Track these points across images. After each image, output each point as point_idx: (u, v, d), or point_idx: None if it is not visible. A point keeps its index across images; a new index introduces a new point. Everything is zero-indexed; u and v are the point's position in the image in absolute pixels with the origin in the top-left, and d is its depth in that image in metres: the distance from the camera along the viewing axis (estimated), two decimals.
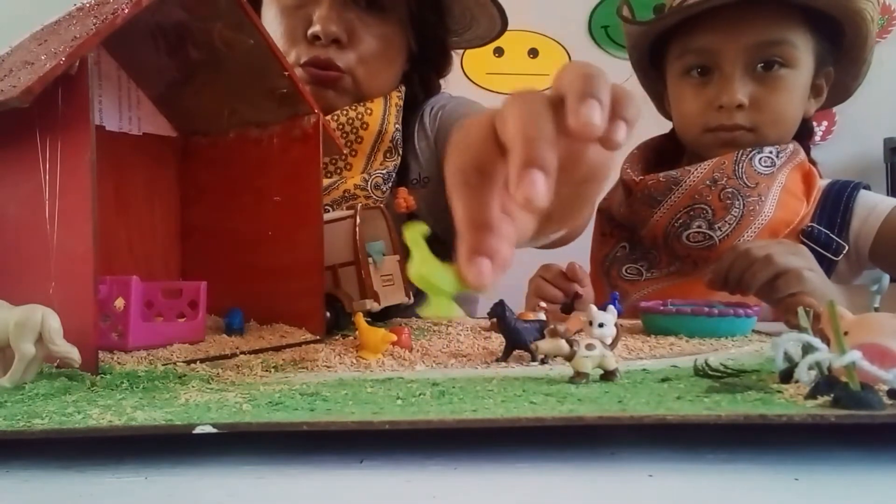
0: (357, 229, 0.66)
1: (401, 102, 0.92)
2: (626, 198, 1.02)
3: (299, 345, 0.59)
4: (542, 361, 0.50)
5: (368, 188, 0.86)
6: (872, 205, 0.96)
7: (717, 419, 0.32)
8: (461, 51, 1.10)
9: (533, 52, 2.22)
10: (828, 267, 0.91)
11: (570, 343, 0.43)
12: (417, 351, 0.55)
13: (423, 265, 0.33)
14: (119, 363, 0.48)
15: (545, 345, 0.44)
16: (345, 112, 0.88)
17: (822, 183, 1.00)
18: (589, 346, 0.42)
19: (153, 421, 0.33)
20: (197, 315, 0.57)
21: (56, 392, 0.40)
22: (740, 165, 0.94)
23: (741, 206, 0.93)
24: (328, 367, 0.50)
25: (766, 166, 0.95)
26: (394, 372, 0.48)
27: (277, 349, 0.57)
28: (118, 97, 0.66)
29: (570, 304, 0.91)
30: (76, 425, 0.33)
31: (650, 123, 1.09)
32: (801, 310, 0.41)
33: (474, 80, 2.15)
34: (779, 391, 0.37)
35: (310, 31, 0.85)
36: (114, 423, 0.33)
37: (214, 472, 0.31)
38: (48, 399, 0.39)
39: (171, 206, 0.71)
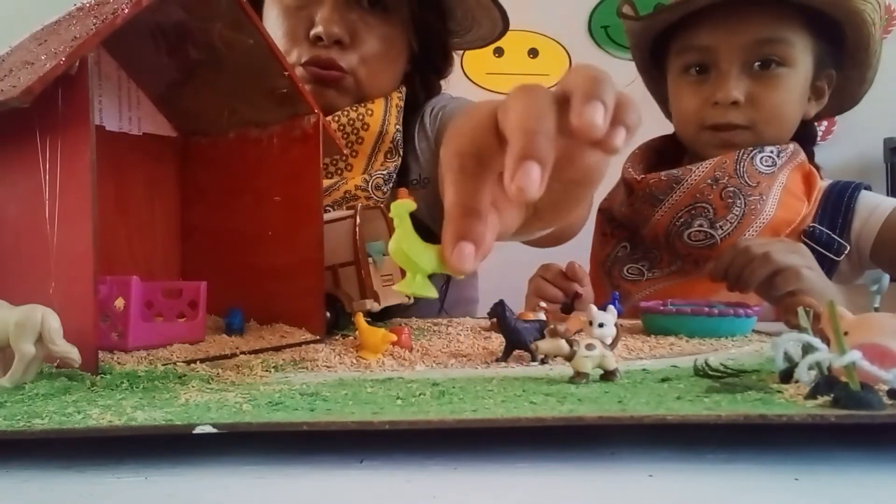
0: (357, 229, 0.67)
1: (401, 103, 0.92)
2: (628, 197, 1.02)
3: (299, 345, 0.59)
4: (542, 361, 0.50)
5: (369, 189, 0.86)
6: (874, 205, 0.96)
7: (717, 419, 0.32)
8: (461, 51, 1.10)
9: (533, 52, 2.22)
10: (829, 267, 0.91)
11: (570, 343, 0.43)
12: (417, 351, 0.55)
13: (404, 240, 0.33)
14: (119, 363, 0.48)
15: (545, 345, 0.44)
16: (346, 113, 0.88)
17: (822, 184, 1.00)
18: (589, 346, 0.42)
19: (153, 421, 0.33)
20: (197, 315, 0.57)
21: (56, 392, 0.40)
22: (741, 165, 0.94)
23: (742, 206, 0.93)
24: (328, 367, 0.50)
25: (768, 166, 0.95)
26: (394, 372, 0.48)
27: (277, 349, 0.57)
28: (118, 97, 0.66)
29: (570, 304, 0.91)
30: (76, 425, 0.33)
31: (652, 127, 1.09)
32: (801, 310, 0.41)
33: (474, 81, 2.15)
34: (779, 391, 0.37)
35: (312, 32, 0.85)
36: (114, 423, 0.33)
37: (214, 472, 0.31)
38: (48, 399, 0.39)
39: (171, 206, 0.71)
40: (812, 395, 0.34)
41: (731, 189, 0.93)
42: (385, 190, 0.87)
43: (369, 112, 0.88)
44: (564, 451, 0.33)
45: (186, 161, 0.71)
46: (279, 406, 0.36)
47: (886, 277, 0.52)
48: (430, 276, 0.34)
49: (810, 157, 1.02)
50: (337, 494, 0.29)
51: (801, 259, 0.78)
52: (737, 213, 0.93)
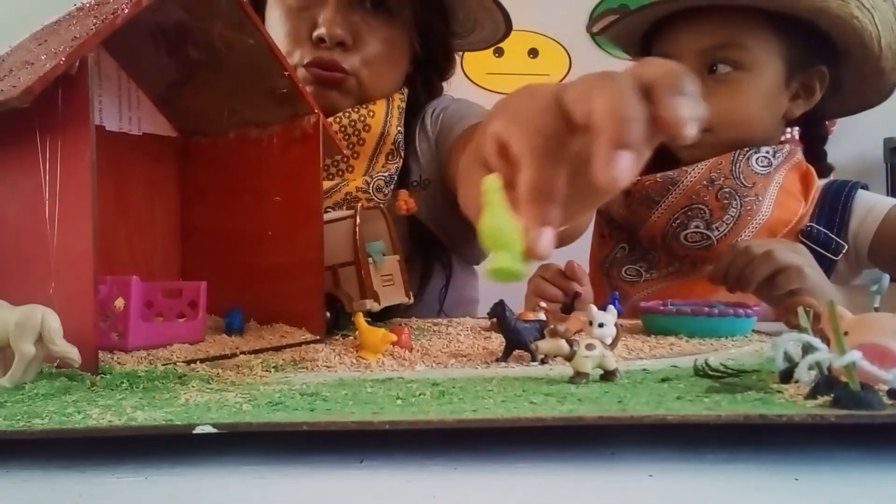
0: (357, 229, 0.67)
1: (403, 104, 0.92)
2: (625, 198, 1.02)
3: (299, 345, 0.59)
4: (542, 361, 0.50)
5: (371, 191, 0.85)
6: (870, 204, 0.97)
7: (717, 419, 0.32)
8: (461, 52, 1.10)
9: (533, 52, 2.22)
10: (827, 267, 0.91)
11: (570, 343, 0.43)
12: (417, 351, 0.55)
13: (499, 216, 0.31)
14: (119, 363, 0.48)
15: (545, 345, 0.44)
16: (347, 114, 0.88)
17: (820, 183, 1.00)
18: (589, 346, 0.42)
19: (153, 421, 0.33)
20: (197, 315, 0.57)
21: (56, 392, 0.40)
22: (737, 165, 0.94)
23: (738, 206, 0.93)
24: (328, 367, 0.50)
25: (763, 166, 0.95)
26: (394, 372, 0.48)
27: (277, 349, 0.57)
28: (118, 97, 0.66)
29: (570, 304, 0.91)
30: (76, 425, 0.33)
31: None
32: (801, 310, 0.41)
33: (474, 81, 2.15)
34: (779, 391, 0.37)
35: (315, 34, 0.85)
36: (114, 423, 0.33)
37: (214, 472, 0.31)
38: (48, 399, 0.39)
39: (171, 206, 0.71)
40: (812, 395, 0.34)
41: (727, 190, 0.93)
42: (386, 192, 0.87)
43: (371, 113, 0.88)
44: (564, 451, 0.33)
45: (186, 161, 0.71)
46: (279, 406, 0.36)
47: (886, 277, 0.53)
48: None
49: (822, 156, 1.02)
50: (337, 494, 0.29)
51: (802, 258, 0.78)
52: (733, 213, 0.93)
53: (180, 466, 0.32)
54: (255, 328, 0.63)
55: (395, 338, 0.54)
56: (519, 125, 0.33)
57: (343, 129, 0.87)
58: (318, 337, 0.62)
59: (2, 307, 0.42)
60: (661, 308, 0.67)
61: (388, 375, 0.46)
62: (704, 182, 0.94)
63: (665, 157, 1.06)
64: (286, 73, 0.61)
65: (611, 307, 0.52)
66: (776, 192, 0.95)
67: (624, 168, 0.29)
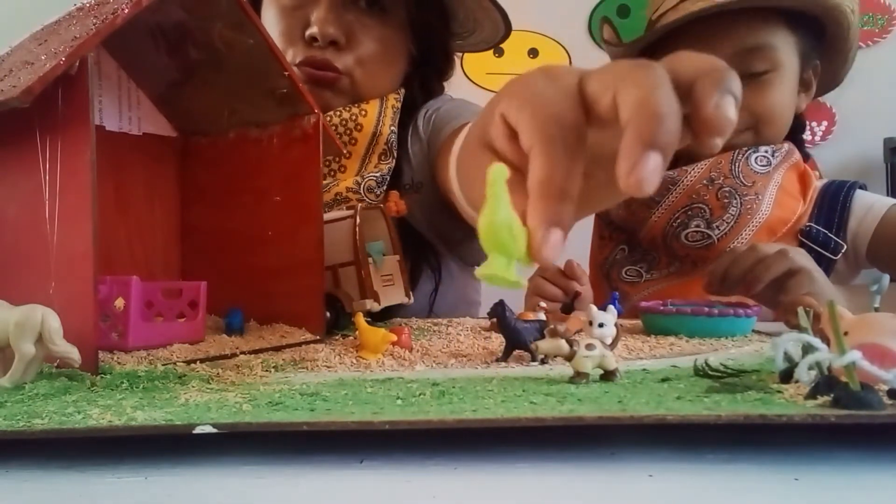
0: (357, 229, 0.67)
1: (398, 105, 0.91)
2: (624, 199, 1.02)
3: (299, 345, 0.59)
4: (542, 361, 0.50)
5: (361, 191, 0.85)
6: (869, 204, 0.97)
7: (717, 419, 0.32)
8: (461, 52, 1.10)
9: (533, 52, 2.22)
10: (826, 266, 0.91)
11: (570, 343, 0.43)
12: (417, 351, 0.55)
13: (500, 214, 0.27)
14: (119, 363, 0.48)
15: (545, 345, 0.44)
16: (338, 113, 0.87)
17: (818, 183, 1.00)
18: (589, 346, 0.42)
19: (153, 421, 0.33)
20: (197, 315, 0.57)
21: (56, 392, 0.40)
22: (737, 165, 0.95)
23: (738, 205, 0.93)
24: (328, 367, 0.50)
25: (762, 165, 0.95)
26: (394, 372, 0.48)
27: (277, 349, 0.57)
28: (118, 97, 0.66)
29: (570, 304, 0.91)
30: (76, 425, 0.33)
31: None
32: (801, 310, 0.41)
33: (474, 81, 2.15)
34: (779, 391, 0.37)
35: (307, 33, 0.85)
36: (114, 423, 0.33)
37: (214, 472, 0.31)
38: (48, 399, 0.39)
39: (171, 206, 0.71)
40: (812, 395, 0.34)
41: (727, 189, 0.94)
42: (378, 192, 0.86)
43: (363, 113, 0.87)
44: (564, 451, 0.33)
45: (186, 161, 0.71)
46: (279, 406, 0.36)
47: (886, 277, 0.52)
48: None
49: (799, 146, 1.03)
50: (337, 494, 0.29)
51: (810, 263, 0.78)
52: (733, 212, 0.93)
53: (180, 466, 0.32)
54: (255, 328, 0.63)
55: (395, 338, 0.54)
56: (532, 110, 0.29)
57: (334, 127, 0.86)
58: (318, 337, 0.62)
59: (2, 307, 0.42)
60: (661, 308, 0.67)
61: (388, 375, 0.46)
62: (704, 181, 0.95)
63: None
64: (286, 73, 0.61)
65: (611, 307, 0.52)
66: (775, 191, 0.96)
67: (651, 170, 0.25)
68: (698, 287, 0.87)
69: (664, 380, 0.43)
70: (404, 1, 0.89)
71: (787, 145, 0.99)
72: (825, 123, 2.11)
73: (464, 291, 1.02)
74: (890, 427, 0.32)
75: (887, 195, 1.47)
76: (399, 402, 0.37)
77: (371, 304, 0.65)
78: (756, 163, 0.95)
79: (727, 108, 0.27)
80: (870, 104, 2.04)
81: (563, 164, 0.28)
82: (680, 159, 1.03)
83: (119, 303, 0.52)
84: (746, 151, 0.95)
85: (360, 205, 0.70)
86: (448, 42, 0.97)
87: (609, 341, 0.47)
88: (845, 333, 0.34)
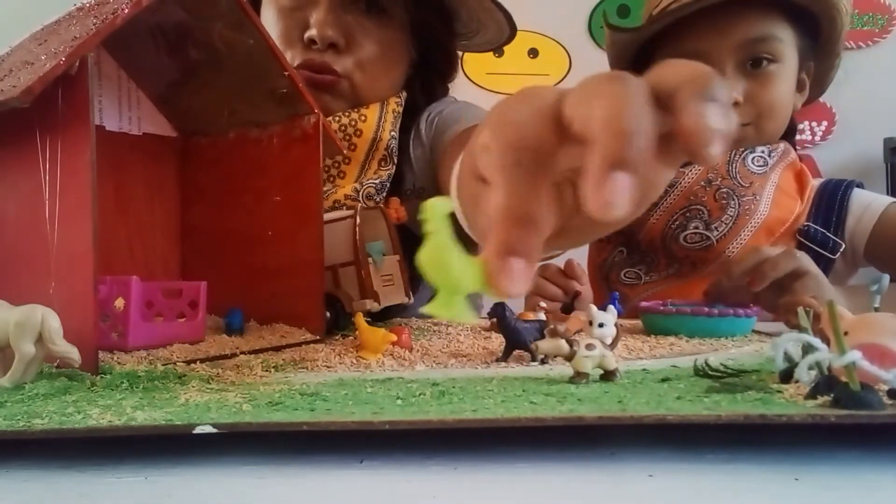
0: (357, 229, 0.67)
1: (399, 109, 0.89)
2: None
3: (299, 345, 0.59)
4: (542, 361, 0.50)
5: (360, 198, 0.83)
6: (867, 203, 0.97)
7: (717, 419, 0.32)
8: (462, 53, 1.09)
9: (533, 52, 2.22)
10: (825, 266, 0.91)
11: (570, 343, 0.43)
12: (417, 351, 0.55)
13: (441, 250, 0.26)
14: (119, 363, 0.48)
15: (545, 345, 0.44)
16: (337, 118, 0.85)
17: (815, 182, 1.01)
18: (589, 346, 0.42)
19: (153, 421, 0.33)
20: (197, 315, 0.57)
21: (56, 392, 0.40)
22: (734, 165, 0.95)
23: (737, 206, 0.94)
24: (328, 367, 0.50)
25: (759, 166, 0.96)
26: (394, 372, 0.48)
27: (277, 349, 0.57)
28: (118, 97, 0.66)
29: (570, 304, 0.91)
30: (76, 425, 0.33)
31: None
32: (801, 310, 0.41)
33: (474, 81, 2.15)
34: (779, 391, 0.37)
35: (306, 35, 0.83)
36: (114, 423, 0.33)
37: (214, 472, 0.31)
38: (48, 399, 0.39)
39: (171, 206, 0.71)
40: (812, 395, 0.34)
41: (725, 190, 0.94)
42: (377, 199, 0.84)
43: (362, 118, 0.86)
44: (564, 451, 0.33)
45: (186, 161, 0.71)
46: (279, 406, 0.36)
47: (886, 277, 0.52)
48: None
49: (792, 146, 1.03)
50: (337, 494, 0.29)
51: (814, 267, 0.78)
52: (731, 213, 0.94)
53: (180, 466, 0.32)
54: (255, 328, 0.63)
55: (395, 338, 0.54)
56: (500, 136, 0.28)
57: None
58: (318, 337, 0.62)
59: (2, 307, 0.42)
60: (661, 308, 0.67)
61: (388, 375, 0.46)
62: (702, 183, 0.95)
63: None
64: (286, 73, 0.61)
65: (611, 307, 0.52)
66: (773, 192, 0.96)
67: (619, 191, 0.23)
68: (698, 289, 0.86)
69: (664, 380, 0.43)
70: (404, 2, 0.88)
71: (783, 145, 0.99)
72: (825, 123, 2.12)
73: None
74: (890, 427, 0.32)
75: (887, 195, 1.47)
76: (399, 402, 0.37)
77: (371, 304, 0.65)
78: (753, 163, 0.96)
79: (710, 116, 0.24)
80: (870, 104, 2.04)
81: (519, 189, 0.26)
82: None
83: (119, 303, 0.52)
84: (743, 152, 0.96)
85: (359, 205, 0.70)
86: (450, 44, 0.96)
87: (609, 341, 0.47)
88: (845, 333, 0.34)
